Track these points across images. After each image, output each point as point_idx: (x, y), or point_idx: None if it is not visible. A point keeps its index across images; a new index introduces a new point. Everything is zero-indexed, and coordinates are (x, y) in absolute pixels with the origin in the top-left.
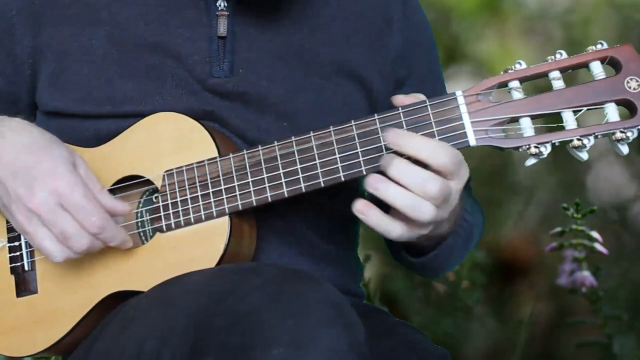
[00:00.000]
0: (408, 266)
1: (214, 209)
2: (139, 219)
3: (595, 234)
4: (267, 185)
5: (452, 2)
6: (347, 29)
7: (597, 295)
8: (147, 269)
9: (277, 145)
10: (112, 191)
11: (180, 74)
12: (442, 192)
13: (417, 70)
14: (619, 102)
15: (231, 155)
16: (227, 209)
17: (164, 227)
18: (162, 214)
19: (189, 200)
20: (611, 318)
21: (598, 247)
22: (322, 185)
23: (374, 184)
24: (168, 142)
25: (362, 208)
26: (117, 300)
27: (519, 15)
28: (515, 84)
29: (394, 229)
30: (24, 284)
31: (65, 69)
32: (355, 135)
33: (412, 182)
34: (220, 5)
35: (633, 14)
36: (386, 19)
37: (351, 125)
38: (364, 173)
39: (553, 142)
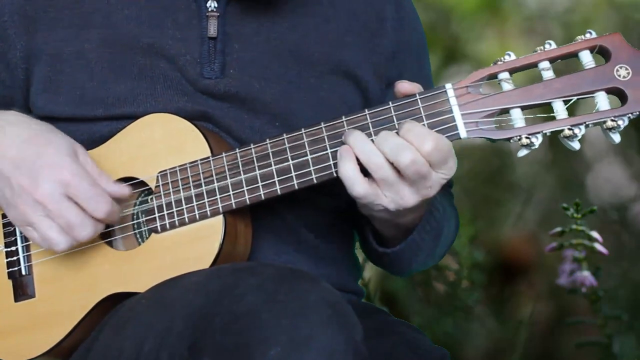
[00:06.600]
0: (376, 260)
1: (207, 209)
2: (136, 220)
3: (595, 234)
4: (260, 183)
5: (452, 2)
6: (340, 28)
7: (597, 295)
8: (144, 270)
9: (269, 142)
10: None
11: (173, 75)
12: (415, 164)
13: (406, 73)
14: (609, 91)
15: (224, 154)
16: (220, 208)
17: (159, 227)
18: (156, 214)
19: (182, 201)
20: (611, 318)
21: (598, 247)
22: (315, 181)
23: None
24: (161, 143)
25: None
26: (115, 302)
27: (519, 15)
28: (505, 75)
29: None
30: (21, 289)
31: (59, 72)
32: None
33: (387, 147)
34: (210, 6)
35: (633, 14)
36: (380, 18)
37: (342, 121)
38: None
39: (544, 132)
